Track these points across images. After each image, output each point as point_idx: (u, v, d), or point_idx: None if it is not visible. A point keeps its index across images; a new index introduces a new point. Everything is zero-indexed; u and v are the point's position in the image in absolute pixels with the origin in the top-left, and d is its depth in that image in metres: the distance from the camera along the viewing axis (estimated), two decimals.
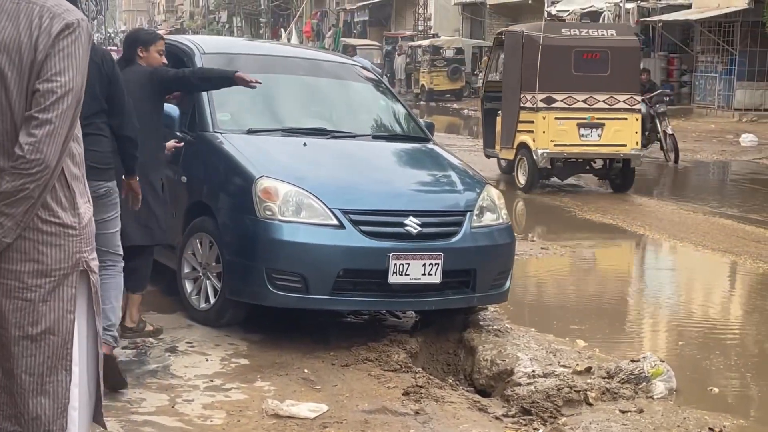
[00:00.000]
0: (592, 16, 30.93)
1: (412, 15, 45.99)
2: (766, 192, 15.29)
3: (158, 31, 7.37)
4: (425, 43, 40.10)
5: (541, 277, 9.19)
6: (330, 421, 4.81)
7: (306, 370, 5.55)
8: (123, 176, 5.37)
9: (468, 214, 6.31)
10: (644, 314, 7.99)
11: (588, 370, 5.67)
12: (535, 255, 9.57)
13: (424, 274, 6.00)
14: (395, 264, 5.91)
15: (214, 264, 6.26)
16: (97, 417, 3.18)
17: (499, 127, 14.65)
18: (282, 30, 53.28)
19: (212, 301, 6.27)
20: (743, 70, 26.09)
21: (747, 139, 21.04)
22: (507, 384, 5.69)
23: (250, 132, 6.70)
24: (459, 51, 38.57)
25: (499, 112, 14.67)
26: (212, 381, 5.32)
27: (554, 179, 14.58)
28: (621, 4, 29.12)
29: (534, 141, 13.71)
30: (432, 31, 43.76)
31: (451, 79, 37.85)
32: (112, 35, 67.21)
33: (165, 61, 6.28)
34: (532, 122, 13.72)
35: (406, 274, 5.95)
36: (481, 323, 6.64)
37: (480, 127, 17.22)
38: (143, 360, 5.62)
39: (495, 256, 6.45)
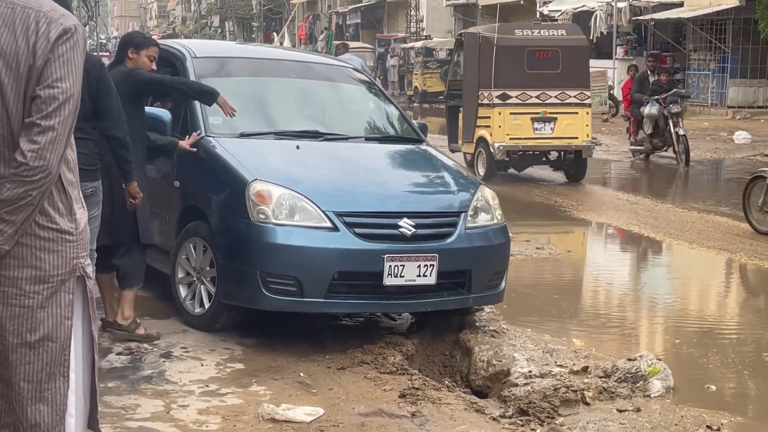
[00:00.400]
0: (584, 16, 30.98)
1: (404, 17, 46.01)
2: None
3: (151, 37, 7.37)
4: (418, 44, 40.11)
5: (537, 277, 9.17)
6: (326, 424, 4.79)
7: (302, 374, 5.53)
8: (123, 184, 5.70)
9: (462, 214, 6.30)
10: (640, 313, 7.98)
11: (585, 369, 5.66)
12: (531, 255, 9.55)
13: (419, 276, 5.98)
14: (390, 266, 5.89)
15: (208, 268, 6.24)
16: (92, 423, 3.17)
17: (461, 123, 15.54)
18: (274, 34, 53.30)
19: (207, 305, 6.25)
20: (736, 67, 26.12)
21: (740, 136, 21.05)
22: (504, 385, 5.67)
23: (242, 135, 6.69)
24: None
25: (461, 108, 15.55)
26: (207, 386, 5.30)
27: (512, 170, 15.52)
28: (613, 4, 29.17)
29: (491, 135, 14.65)
30: (424, 33, 43.78)
31: (444, 81, 37.79)
32: (104, 41, 67.18)
33: (154, 67, 6.28)
34: (489, 117, 14.64)
35: (401, 276, 5.94)
36: (477, 324, 6.63)
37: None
38: (138, 366, 5.60)
39: (490, 257, 6.44)
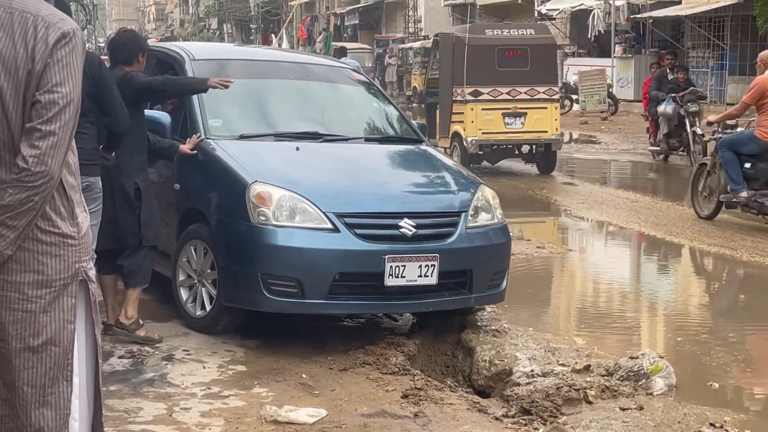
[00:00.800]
0: (582, 14, 31.00)
1: (402, 17, 46.02)
2: None
3: (149, 40, 7.42)
4: (416, 45, 40.06)
5: (538, 276, 9.17)
6: (329, 426, 4.79)
7: (304, 375, 5.53)
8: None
9: (463, 214, 6.29)
10: (642, 311, 7.97)
11: (587, 368, 5.65)
12: (531, 254, 9.55)
13: (420, 276, 5.98)
14: (391, 266, 5.89)
15: (209, 271, 6.23)
16: (96, 427, 3.16)
17: (438, 119, 16.13)
18: (272, 35, 53.29)
19: (208, 308, 6.24)
20: (734, 64, 26.12)
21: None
22: (506, 384, 5.67)
23: (242, 137, 6.68)
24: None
25: (438, 105, 16.23)
26: (210, 388, 5.30)
27: (485, 163, 16.06)
28: (611, 2, 29.18)
29: (464, 130, 15.32)
30: (422, 33, 43.74)
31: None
32: (103, 45, 67.11)
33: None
34: (463, 113, 15.34)
35: (402, 276, 5.93)
36: (478, 324, 6.63)
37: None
38: (140, 369, 5.60)
39: (491, 256, 6.44)
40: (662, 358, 5.70)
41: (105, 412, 3.32)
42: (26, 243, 2.86)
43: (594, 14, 29.78)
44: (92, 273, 3.04)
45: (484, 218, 6.45)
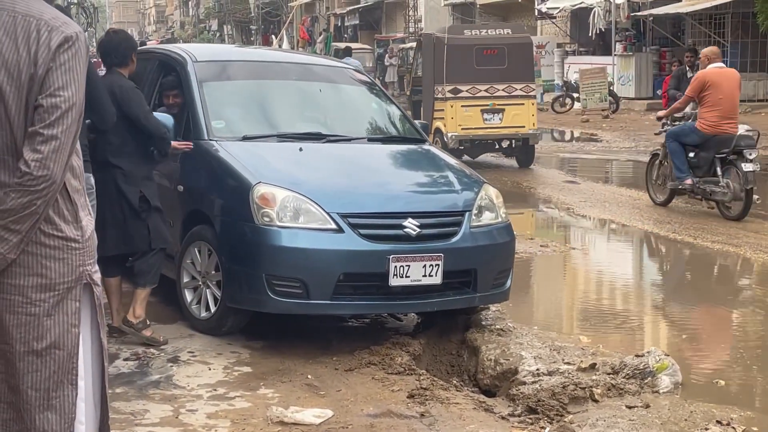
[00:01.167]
0: (583, 13, 30.97)
1: (402, 17, 45.98)
2: (762, 183, 15.28)
3: (149, 42, 7.44)
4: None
5: (542, 274, 9.17)
6: (335, 426, 4.78)
7: (309, 376, 5.52)
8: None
9: (467, 213, 6.29)
10: (647, 309, 7.97)
11: (592, 366, 5.65)
12: (535, 253, 9.54)
13: (424, 276, 5.97)
14: (395, 266, 5.88)
15: (213, 272, 6.23)
16: (103, 430, 3.16)
17: (422, 116, 16.54)
18: (273, 36, 53.29)
19: (213, 309, 6.24)
20: (735, 61, 26.06)
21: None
22: (512, 383, 5.67)
23: (245, 139, 6.68)
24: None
25: (422, 102, 16.85)
26: (215, 390, 5.29)
27: (466, 157, 16.30)
28: (611, 0, 29.13)
29: (445, 126, 15.96)
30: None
31: None
32: None
33: None
34: (443, 110, 15.98)
35: (406, 276, 5.93)
36: (483, 323, 6.62)
37: None
38: (146, 371, 5.59)
39: (495, 255, 6.43)
40: (668, 355, 5.69)
41: (111, 415, 3.31)
42: (30, 246, 2.86)
43: (594, 12, 29.75)
44: (97, 276, 3.03)
45: (488, 217, 6.44)
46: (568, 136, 23.26)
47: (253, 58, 8.18)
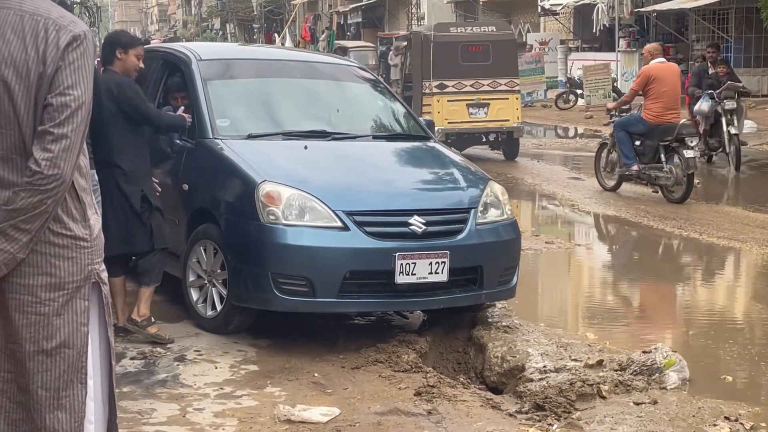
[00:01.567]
0: (586, 9, 30.92)
1: (405, 15, 45.95)
2: (767, 178, 15.26)
3: (152, 41, 7.39)
4: None
5: (547, 271, 9.16)
6: (343, 424, 4.78)
7: (316, 374, 5.52)
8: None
9: (472, 211, 6.28)
10: (653, 305, 7.95)
11: (600, 363, 5.64)
12: (540, 250, 9.53)
13: (430, 273, 5.97)
14: (401, 264, 5.87)
15: (219, 271, 6.23)
16: (111, 429, 3.16)
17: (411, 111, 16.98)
18: (275, 35, 53.28)
19: (219, 308, 6.24)
20: (739, 56, 26.03)
21: (746, 125, 20.95)
22: (519, 380, 5.66)
23: (250, 137, 6.67)
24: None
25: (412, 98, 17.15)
26: (222, 388, 5.29)
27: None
28: None
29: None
30: None
31: None
32: None
33: (142, 65, 6.28)
34: (430, 105, 16.40)
35: (412, 274, 5.92)
36: (489, 320, 6.61)
37: None
38: (152, 370, 5.59)
39: (501, 253, 6.42)
40: (675, 352, 5.69)
41: (119, 414, 3.31)
42: (39, 246, 2.86)
43: (598, 8, 29.70)
44: (105, 275, 3.04)
45: (493, 214, 6.43)
46: (571, 133, 23.22)
47: (257, 57, 8.18)
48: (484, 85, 16.60)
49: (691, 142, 11.99)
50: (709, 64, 16.31)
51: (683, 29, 29.05)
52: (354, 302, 6.05)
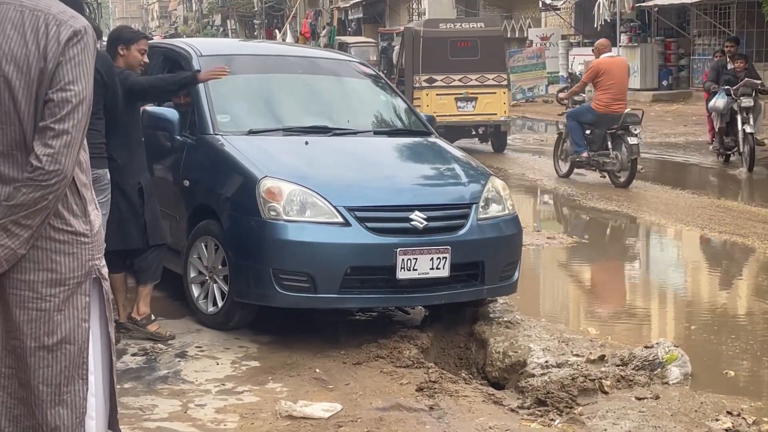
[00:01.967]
0: (587, 4, 30.85)
1: (406, 10, 45.91)
2: None
3: (153, 38, 7.36)
4: None
5: (549, 266, 9.15)
6: (344, 420, 4.77)
7: (318, 370, 5.51)
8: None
9: (474, 206, 6.27)
10: (654, 300, 7.95)
11: (601, 358, 5.63)
12: (542, 245, 9.52)
13: (432, 269, 5.96)
14: (403, 259, 5.87)
15: (220, 267, 6.22)
16: (112, 424, 3.16)
17: None
18: (276, 31, 53.24)
19: (220, 304, 6.23)
20: (741, 51, 25.98)
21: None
22: (521, 375, 5.65)
23: (251, 133, 6.66)
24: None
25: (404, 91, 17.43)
26: (224, 384, 5.29)
27: None
28: None
29: None
30: None
31: None
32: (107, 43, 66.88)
33: (146, 60, 6.25)
34: (420, 98, 16.84)
35: (414, 269, 5.91)
36: (491, 315, 6.60)
37: None
38: (154, 366, 5.59)
39: (502, 248, 6.41)
40: (677, 347, 5.68)
41: (120, 410, 3.31)
42: (39, 242, 2.85)
43: (599, 3, 29.64)
44: (105, 270, 3.03)
45: (495, 209, 6.42)
46: None
47: (257, 52, 8.17)
48: (472, 79, 17.07)
49: (635, 129, 12.75)
50: (728, 59, 15.61)
51: (684, 24, 29.00)
52: (355, 298, 6.04)
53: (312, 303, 6.00)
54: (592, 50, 14.25)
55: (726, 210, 11.24)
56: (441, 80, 17.03)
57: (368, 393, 5.15)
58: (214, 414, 4.85)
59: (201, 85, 6.81)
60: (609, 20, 29.72)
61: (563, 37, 33.39)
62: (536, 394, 5.25)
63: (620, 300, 7.94)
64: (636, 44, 28.86)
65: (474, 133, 17.76)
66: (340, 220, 5.89)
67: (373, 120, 7.53)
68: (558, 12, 34.24)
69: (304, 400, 4.99)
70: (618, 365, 5.53)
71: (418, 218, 5.98)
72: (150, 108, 6.68)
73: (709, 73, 16.01)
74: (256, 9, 64.23)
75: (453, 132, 17.23)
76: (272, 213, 5.90)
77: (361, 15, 50.36)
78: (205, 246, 6.34)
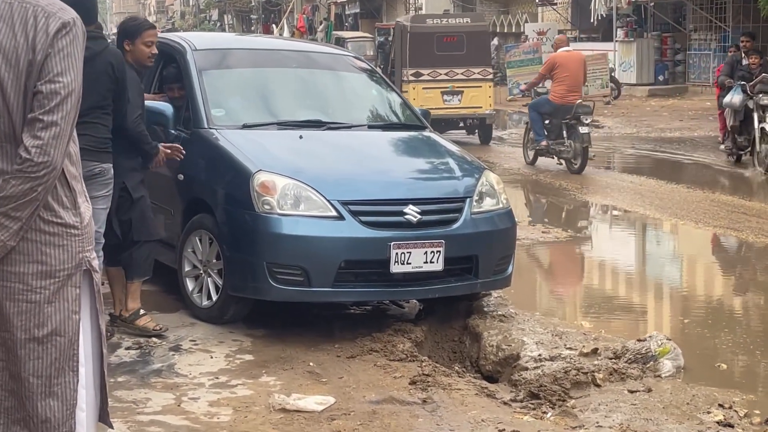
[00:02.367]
0: (584, 1, 30.84)
1: (403, 5, 45.86)
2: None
3: None
4: None
5: (543, 260, 9.16)
6: (337, 413, 4.78)
7: (311, 363, 5.52)
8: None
9: (468, 200, 6.28)
10: (648, 293, 7.96)
11: (594, 351, 5.65)
12: (537, 239, 9.53)
13: (426, 262, 5.97)
14: (397, 253, 5.88)
15: (214, 261, 6.22)
16: (103, 417, 3.16)
17: None
18: (273, 26, 53.17)
19: (214, 298, 6.24)
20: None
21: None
22: (514, 369, 5.67)
23: (245, 127, 6.66)
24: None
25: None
26: (217, 378, 5.30)
27: None
28: None
29: None
30: None
31: None
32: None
33: (155, 51, 6.20)
34: (407, 92, 17.06)
35: (408, 263, 5.92)
36: (485, 309, 6.61)
37: None
38: (147, 360, 5.59)
39: (496, 242, 6.42)
40: (670, 340, 5.70)
41: (113, 403, 3.32)
42: (29, 234, 2.85)
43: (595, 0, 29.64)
44: (95, 263, 3.03)
45: (489, 203, 6.43)
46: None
47: (252, 46, 8.16)
48: (458, 73, 17.57)
49: (586, 119, 13.67)
50: (743, 54, 14.93)
51: (681, 19, 29.01)
52: (349, 292, 6.05)
53: (306, 297, 6.00)
54: (552, 45, 15.29)
55: (721, 204, 11.25)
56: (427, 74, 17.53)
57: (362, 386, 5.16)
58: (208, 407, 4.86)
59: (195, 79, 6.82)
60: (605, 15, 29.73)
61: (560, 32, 33.37)
62: (529, 387, 5.27)
63: (613, 294, 7.96)
64: (632, 39, 28.88)
65: (462, 125, 18.30)
66: (334, 213, 5.90)
67: (367, 114, 7.53)
68: (554, 7, 34.24)
69: (298, 393, 4.99)
70: (611, 358, 5.55)
71: (412, 212, 5.99)
72: (145, 102, 6.67)
73: (723, 67, 15.41)
74: (253, 4, 64.19)
75: (439, 124, 17.75)
76: (266, 207, 5.90)
77: (358, 10, 50.31)
78: (200, 240, 6.34)
